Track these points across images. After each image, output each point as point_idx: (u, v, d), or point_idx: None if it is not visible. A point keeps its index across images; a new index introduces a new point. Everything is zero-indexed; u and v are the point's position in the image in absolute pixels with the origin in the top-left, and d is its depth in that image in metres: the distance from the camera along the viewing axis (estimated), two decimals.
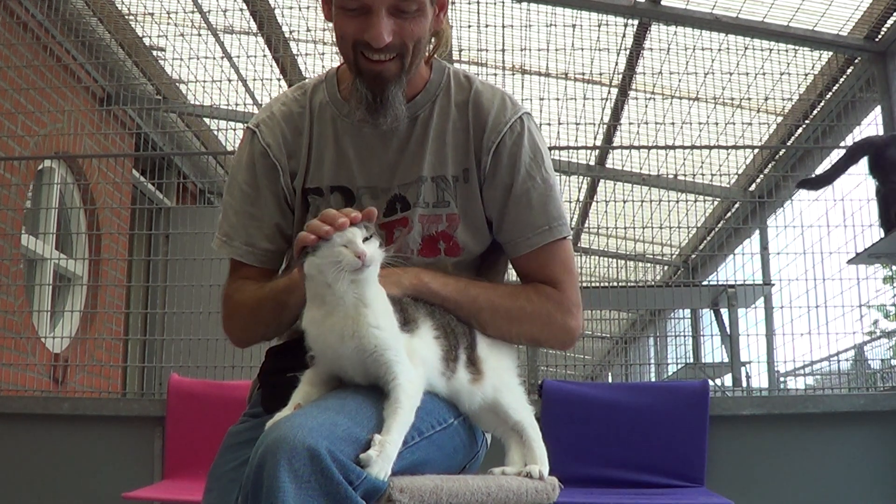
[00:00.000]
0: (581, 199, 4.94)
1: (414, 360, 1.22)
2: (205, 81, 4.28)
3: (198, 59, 4.21)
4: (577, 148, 4.24)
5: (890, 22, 3.57)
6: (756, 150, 4.23)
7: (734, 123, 4.01)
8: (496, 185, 1.45)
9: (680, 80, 4.03)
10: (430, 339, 1.28)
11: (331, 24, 1.42)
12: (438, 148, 1.47)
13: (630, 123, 4.32)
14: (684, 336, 4.74)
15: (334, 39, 1.43)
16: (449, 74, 1.51)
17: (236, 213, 1.51)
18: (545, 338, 1.47)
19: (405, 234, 1.46)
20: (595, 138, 4.40)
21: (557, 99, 3.92)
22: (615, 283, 4.58)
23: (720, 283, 4.29)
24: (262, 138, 1.50)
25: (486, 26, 3.87)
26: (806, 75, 3.91)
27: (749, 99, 3.97)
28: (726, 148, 4.01)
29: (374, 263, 1.20)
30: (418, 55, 1.41)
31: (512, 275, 1.59)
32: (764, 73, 3.85)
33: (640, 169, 4.33)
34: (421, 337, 1.27)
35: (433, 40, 1.50)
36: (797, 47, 3.83)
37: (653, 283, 5.34)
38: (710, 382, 3.11)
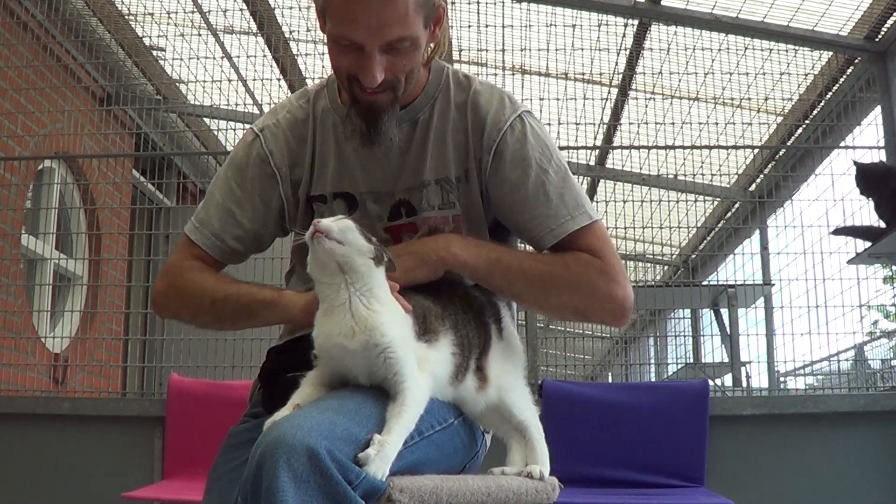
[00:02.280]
0: None
1: (423, 369, 1.21)
2: (205, 81, 4.29)
3: (198, 59, 4.21)
4: (577, 148, 4.24)
5: (890, 22, 3.57)
6: (756, 150, 4.24)
7: (734, 123, 4.01)
8: (502, 184, 1.43)
9: (680, 80, 4.03)
10: (446, 354, 1.27)
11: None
12: (440, 150, 1.46)
13: (630, 123, 4.32)
14: (684, 336, 4.73)
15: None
16: (448, 75, 1.49)
17: (217, 205, 1.51)
18: (590, 309, 1.37)
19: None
20: (595, 138, 4.40)
21: (557, 99, 3.92)
22: None
23: (720, 283, 4.29)
24: (265, 144, 1.49)
25: (486, 26, 3.87)
26: (806, 75, 3.91)
27: (749, 99, 3.97)
28: (726, 148, 4.01)
29: (336, 234, 1.17)
30: (412, 81, 1.40)
31: None
32: (764, 73, 3.85)
33: (640, 169, 4.33)
34: (438, 350, 1.25)
35: (431, 46, 1.50)
36: (797, 47, 3.83)
37: (653, 283, 5.34)
38: (710, 382, 3.11)
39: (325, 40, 1.38)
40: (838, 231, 3.32)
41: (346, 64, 1.34)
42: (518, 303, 1.39)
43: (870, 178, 3.08)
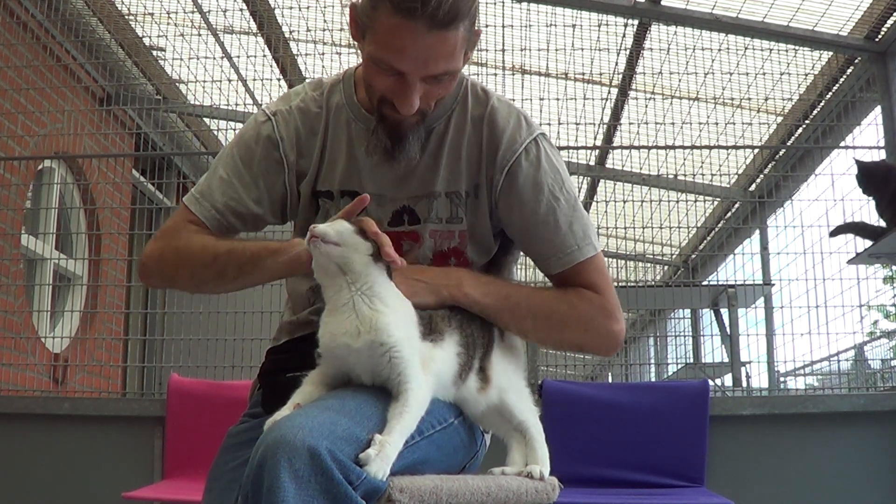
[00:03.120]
0: (581, 199, 4.94)
1: (428, 369, 1.22)
2: (205, 81, 4.28)
3: (198, 59, 4.21)
4: (577, 148, 4.24)
5: (890, 22, 3.57)
6: (756, 150, 4.24)
7: (734, 123, 4.01)
8: (514, 206, 1.43)
9: (680, 80, 4.03)
10: (452, 355, 1.27)
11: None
12: (453, 163, 1.45)
13: (630, 123, 4.32)
14: (684, 336, 4.73)
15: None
16: (466, 87, 1.48)
17: (220, 180, 1.47)
18: (589, 343, 1.46)
19: (416, 249, 1.46)
20: (595, 138, 4.40)
21: (557, 99, 3.92)
22: (615, 283, 4.57)
23: (720, 283, 4.29)
24: (276, 129, 1.47)
25: (486, 26, 3.87)
26: (806, 75, 3.91)
27: (749, 99, 3.97)
28: (726, 148, 4.01)
29: (332, 237, 1.18)
30: (440, 104, 1.42)
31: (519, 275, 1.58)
32: (764, 73, 3.85)
33: (640, 169, 4.33)
34: (443, 349, 1.26)
35: None
36: (797, 47, 3.83)
37: (653, 283, 5.34)
38: (710, 382, 3.11)
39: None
40: (836, 231, 3.31)
41: (383, 86, 1.33)
42: (522, 338, 1.45)
43: (871, 177, 3.08)
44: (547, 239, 1.43)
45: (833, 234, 3.34)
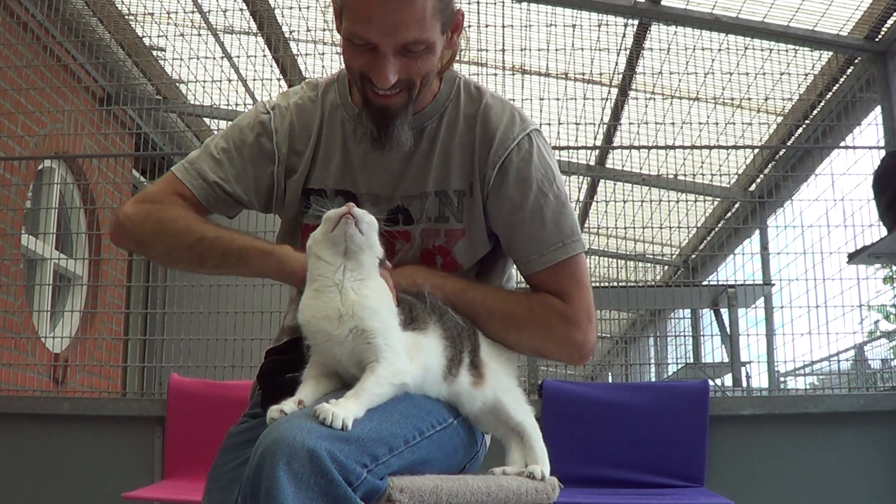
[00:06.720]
0: (581, 199, 4.94)
1: (414, 359, 1.22)
2: (205, 81, 4.28)
3: (198, 59, 4.21)
4: (577, 148, 4.24)
5: (890, 22, 3.57)
6: (756, 150, 4.24)
7: (734, 123, 4.01)
8: (503, 202, 1.43)
9: (680, 80, 4.03)
10: (438, 347, 1.28)
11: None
12: (443, 162, 1.45)
13: (630, 123, 4.32)
14: (684, 336, 4.74)
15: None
16: (459, 85, 1.49)
17: (210, 156, 1.48)
18: (548, 349, 1.44)
19: (407, 249, 1.46)
20: (595, 138, 4.40)
21: (557, 99, 3.92)
22: (615, 283, 4.58)
23: (720, 283, 4.29)
24: (273, 120, 1.49)
25: (486, 26, 3.87)
26: (806, 75, 3.91)
27: (749, 99, 3.97)
28: (726, 148, 4.01)
29: (364, 225, 1.21)
30: (426, 86, 1.40)
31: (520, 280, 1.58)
32: (764, 73, 3.85)
33: (640, 169, 4.33)
34: (428, 338, 1.27)
35: (447, 55, 1.49)
36: (797, 47, 3.83)
37: (653, 283, 5.34)
38: (710, 382, 3.11)
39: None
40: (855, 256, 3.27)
41: (360, 64, 1.34)
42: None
43: (879, 176, 3.07)
44: (532, 235, 1.42)
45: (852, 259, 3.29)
